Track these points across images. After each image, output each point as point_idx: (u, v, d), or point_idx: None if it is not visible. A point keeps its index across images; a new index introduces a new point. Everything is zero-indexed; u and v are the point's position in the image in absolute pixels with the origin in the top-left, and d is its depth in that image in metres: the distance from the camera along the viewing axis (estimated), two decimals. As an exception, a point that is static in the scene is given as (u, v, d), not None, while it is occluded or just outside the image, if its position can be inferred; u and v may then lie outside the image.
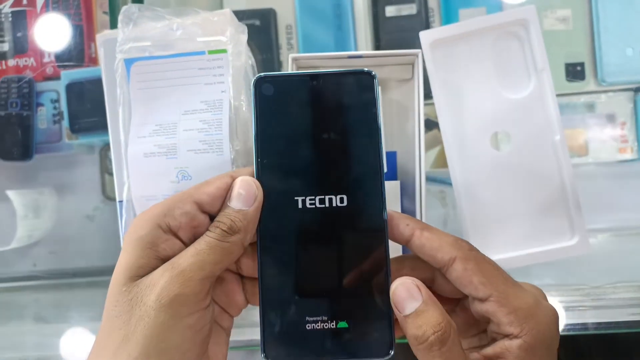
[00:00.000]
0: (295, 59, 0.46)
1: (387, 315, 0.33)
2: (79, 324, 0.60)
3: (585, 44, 0.60)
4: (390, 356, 0.33)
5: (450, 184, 0.48)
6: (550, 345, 0.32)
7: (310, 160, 0.35)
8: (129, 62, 0.41)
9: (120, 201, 0.42)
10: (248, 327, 0.51)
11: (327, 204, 0.34)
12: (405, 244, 0.34)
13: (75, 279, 0.64)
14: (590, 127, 0.60)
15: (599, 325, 0.49)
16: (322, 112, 0.35)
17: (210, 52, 0.41)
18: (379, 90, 0.35)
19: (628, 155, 0.59)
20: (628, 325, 0.48)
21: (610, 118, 0.60)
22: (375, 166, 0.34)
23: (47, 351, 0.59)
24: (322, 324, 0.34)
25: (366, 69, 0.35)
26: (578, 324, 0.50)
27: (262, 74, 0.35)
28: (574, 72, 0.60)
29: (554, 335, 0.33)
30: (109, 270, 0.34)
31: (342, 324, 0.34)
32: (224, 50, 0.41)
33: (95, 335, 0.32)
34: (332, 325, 0.34)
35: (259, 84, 0.35)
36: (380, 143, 0.35)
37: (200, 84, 0.41)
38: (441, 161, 0.60)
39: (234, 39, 0.41)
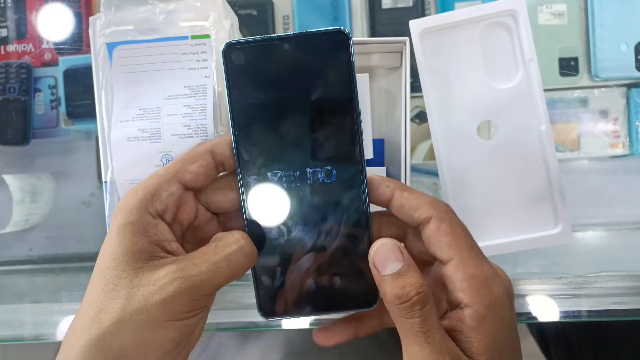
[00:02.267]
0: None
1: (370, 271, 0.34)
2: (74, 307, 0.61)
3: (579, 39, 0.60)
4: (375, 305, 0.35)
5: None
6: (503, 319, 0.32)
7: (287, 129, 0.34)
8: (111, 46, 0.41)
9: (106, 182, 0.42)
10: (242, 310, 0.52)
11: (306, 172, 0.35)
12: (386, 206, 0.35)
13: (71, 263, 0.65)
14: (583, 122, 0.60)
15: (580, 313, 0.49)
16: (296, 76, 0.34)
17: (194, 37, 0.41)
18: (353, 49, 0.34)
19: (620, 151, 0.59)
20: (609, 314, 0.48)
21: (603, 113, 0.59)
22: (352, 130, 0.34)
23: (43, 330, 0.59)
24: (311, 282, 0.35)
25: (340, 27, 0.34)
26: (561, 312, 0.50)
27: (230, 40, 0.34)
28: (568, 66, 0.60)
29: (507, 311, 0.33)
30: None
31: (330, 281, 0.35)
32: (207, 36, 0.41)
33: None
34: (321, 282, 0.35)
35: (228, 51, 0.34)
36: (357, 105, 0.34)
37: (184, 69, 0.41)
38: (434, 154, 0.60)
39: (217, 24, 0.41)
